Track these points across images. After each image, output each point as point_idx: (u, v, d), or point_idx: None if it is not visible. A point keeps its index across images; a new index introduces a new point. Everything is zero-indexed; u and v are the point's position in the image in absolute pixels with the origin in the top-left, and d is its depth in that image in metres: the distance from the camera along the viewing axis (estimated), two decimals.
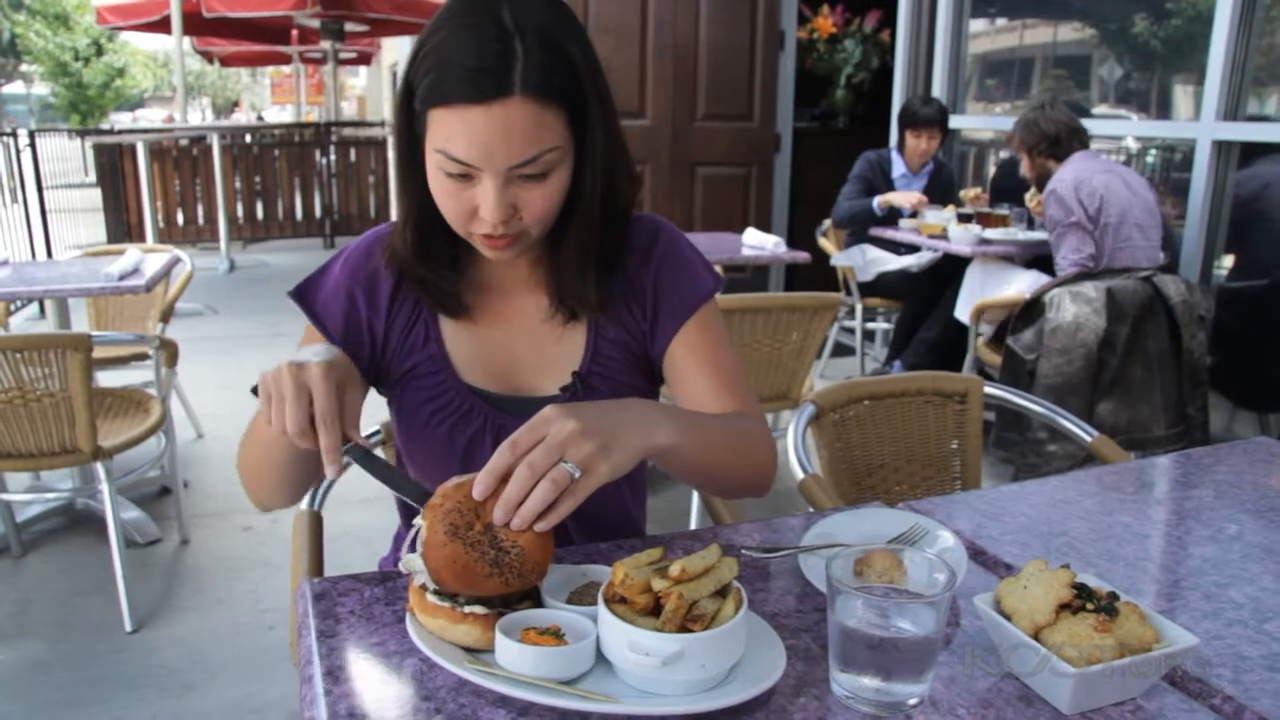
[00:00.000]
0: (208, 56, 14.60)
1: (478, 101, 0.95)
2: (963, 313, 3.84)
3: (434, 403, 1.16)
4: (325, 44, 10.49)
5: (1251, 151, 3.61)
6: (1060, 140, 3.47)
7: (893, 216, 4.58)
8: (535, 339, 1.19)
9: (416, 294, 1.17)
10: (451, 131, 0.97)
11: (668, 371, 1.21)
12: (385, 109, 18.88)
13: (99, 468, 2.55)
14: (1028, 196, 3.97)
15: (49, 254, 6.75)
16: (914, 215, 4.51)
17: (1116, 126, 4.66)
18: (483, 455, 1.15)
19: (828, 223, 4.88)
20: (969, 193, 4.57)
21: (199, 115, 32.70)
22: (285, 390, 0.92)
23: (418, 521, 0.88)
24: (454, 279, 1.15)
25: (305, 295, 1.19)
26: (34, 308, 6.20)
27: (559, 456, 0.86)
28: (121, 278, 2.98)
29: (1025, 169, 3.65)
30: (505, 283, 1.19)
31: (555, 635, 0.82)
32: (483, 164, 0.98)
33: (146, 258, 3.23)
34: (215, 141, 7.98)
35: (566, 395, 1.17)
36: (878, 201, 4.50)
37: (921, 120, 4.48)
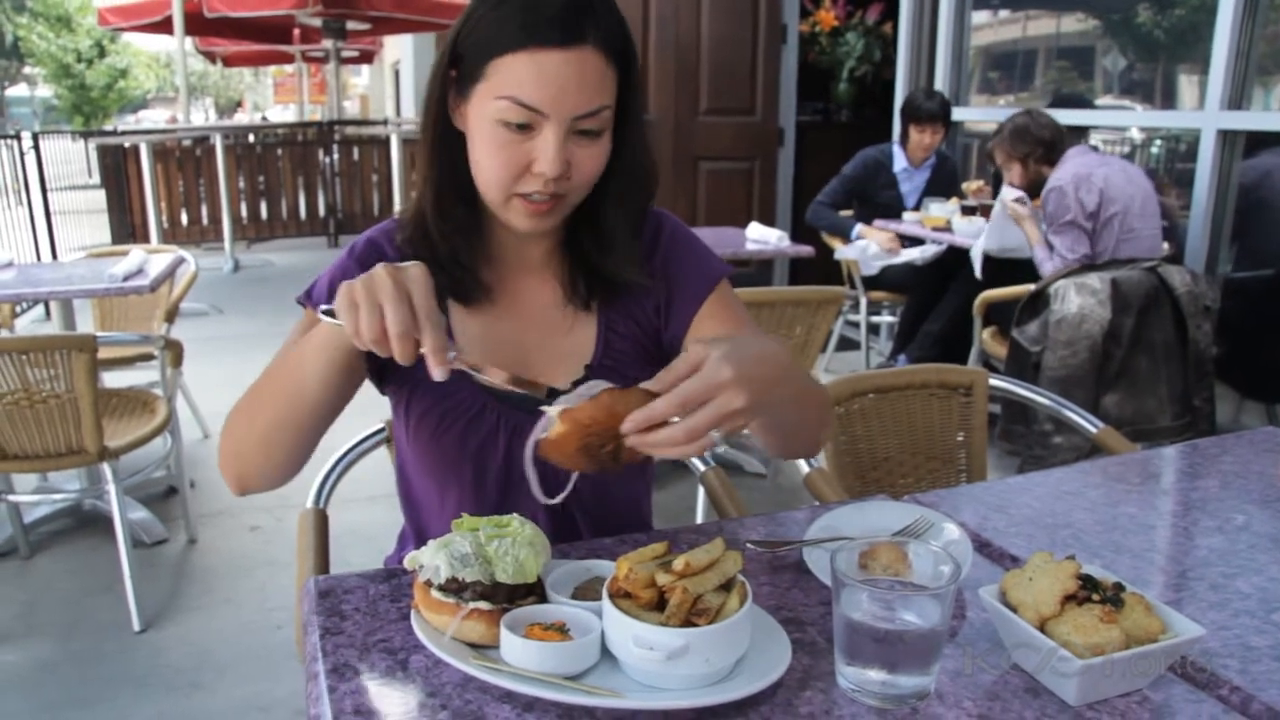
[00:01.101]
0: (210, 57, 14.64)
1: (555, 45, 0.97)
2: (977, 258, 3.79)
3: (444, 403, 1.14)
4: (327, 43, 10.49)
5: (1257, 141, 3.60)
6: (1056, 144, 3.45)
7: (895, 210, 4.57)
8: (546, 332, 1.18)
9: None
10: (524, 76, 0.98)
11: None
12: (388, 107, 18.87)
13: (105, 468, 2.55)
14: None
15: (54, 256, 6.77)
16: (917, 208, 4.51)
17: (1121, 117, 4.65)
18: (495, 457, 1.15)
19: None
20: (971, 185, 4.56)
21: (202, 116, 32.77)
22: (383, 292, 0.86)
23: (551, 413, 0.85)
24: (473, 256, 1.14)
25: (313, 293, 1.15)
26: (39, 309, 6.22)
27: (715, 425, 0.83)
28: (126, 278, 2.98)
29: (1014, 178, 3.56)
30: (518, 272, 1.18)
31: (560, 631, 0.82)
32: (552, 109, 0.98)
33: (151, 258, 3.23)
34: (218, 142, 7.99)
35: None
36: (858, 230, 4.52)
37: (924, 114, 4.46)
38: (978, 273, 3.78)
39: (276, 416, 1.02)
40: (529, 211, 1.05)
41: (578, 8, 0.98)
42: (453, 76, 1.05)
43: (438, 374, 0.86)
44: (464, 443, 1.14)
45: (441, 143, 1.08)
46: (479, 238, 1.14)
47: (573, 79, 0.98)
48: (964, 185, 4.62)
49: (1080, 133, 4.30)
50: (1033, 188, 3.53)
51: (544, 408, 0.87)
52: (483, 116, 1.01)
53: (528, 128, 1.00)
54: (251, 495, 1.09)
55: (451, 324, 1.16)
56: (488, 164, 1.03)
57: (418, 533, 1.27)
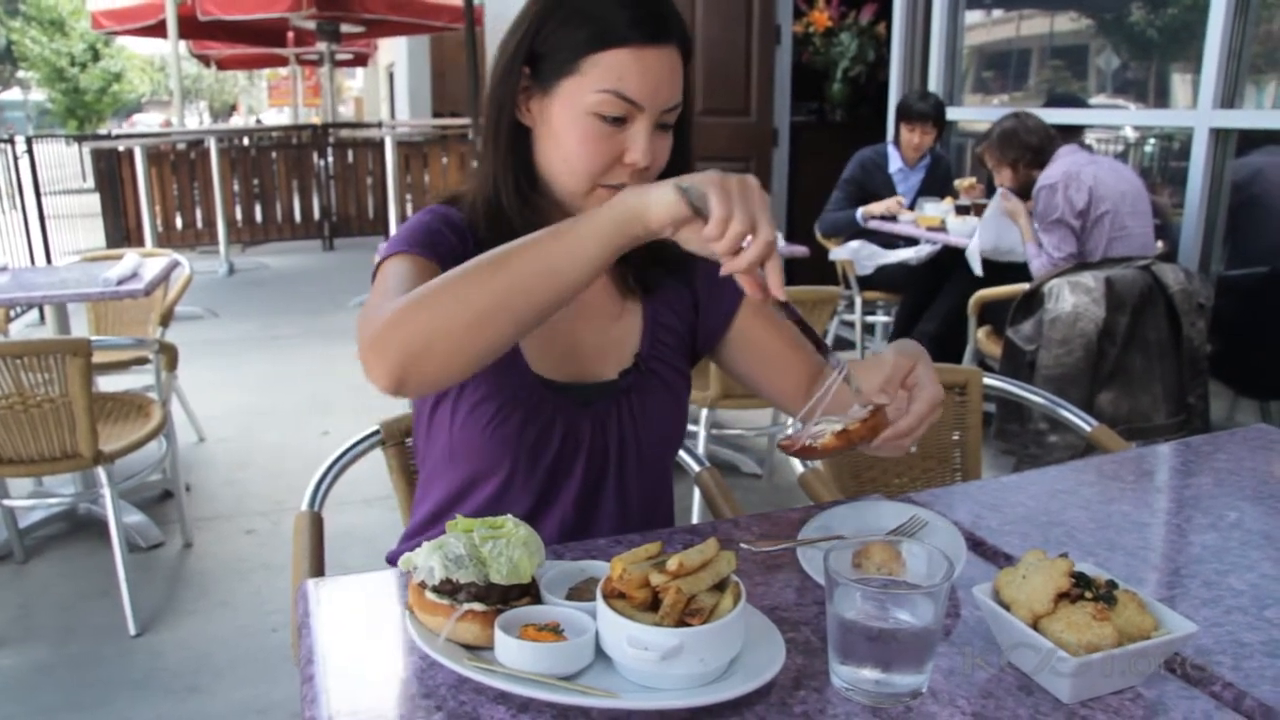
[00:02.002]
0: (204, 60, 14.61)
1: (653, 42, 1.03)
2: (974, 256, 3.79)
3: (503, 393, 1.13)
4: (321, 46, 10.49)
5: (1250, 139, 3.61)
6: (1044, 148, 3.46)
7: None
8: (597, 322, 1.20)
9: None
10: (625, 70, 1.03)
11: (736, 345, 1.25)
12: (383, 110, 18.86)
13: (100, 472, 2.55)
14: None
15: (48, 260, 6.75)
16: (911, 208, 4.51)
17: (1114, 116, 4.66)
18: (550, 448, 1.15)
19: None
20: (964, 183, 4.56)
21: (196, 119, 32.63)
22: (756, 201, 0.87)
23: (825, 430, 0.96)
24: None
25: (409, 240, 1.09)
26: (34, 314, 6.20)
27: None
28: (120, 282, 2.98)
29: (1005, 181, 3.56)
30: None
31: (554, 631, 0.82)
32: (648, 102, 1.04)
33: (145, 262, 3.23)
34: (213, 145, 7.97)
35: (627, 379, 1.18)
36: (861, 213, 4.53)
37: (916, 115, 4.47)
38: (977, 270, 3.77)
39: (514, 294, 0.90)
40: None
41: (664, 6, 1.06)
42: (525, 73, 1.08)
43: (781, 295, 0.89)
44: (522, 432, 1.14)
45: (511, 136, 1.11)
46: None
47: (665, 74, 1.05)
48: (956, 183, 4.62)
49: (1074, 132, 4.30)
50: (1024, 190, 3.54)
51: (816, 426, 0.99)
52: (573, 109, 1.05)
53: (622, 120, 1.05)
54: (404, 392, 0.94)
55: None
56: (577, 154, 1.06)
57: (440, 523, 1.25)
